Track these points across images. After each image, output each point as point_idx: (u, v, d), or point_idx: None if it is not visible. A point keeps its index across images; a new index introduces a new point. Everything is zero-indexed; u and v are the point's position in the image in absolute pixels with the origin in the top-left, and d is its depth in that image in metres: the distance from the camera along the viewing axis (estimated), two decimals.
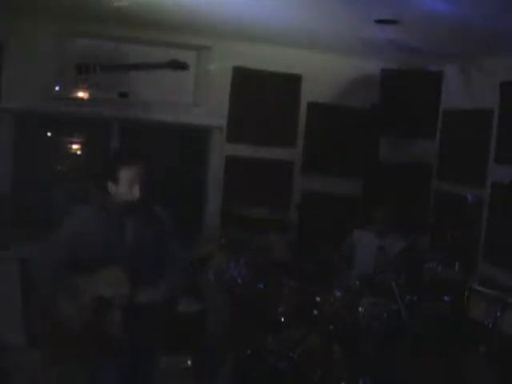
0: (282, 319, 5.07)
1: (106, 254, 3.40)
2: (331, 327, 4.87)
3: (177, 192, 6.44)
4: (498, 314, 4.78)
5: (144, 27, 5.82)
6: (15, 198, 5.90)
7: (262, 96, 6.52)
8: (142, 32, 5.92)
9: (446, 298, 5.18)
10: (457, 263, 5.26)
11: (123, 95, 6.12)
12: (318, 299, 5.12)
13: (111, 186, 3.44)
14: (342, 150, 6.77)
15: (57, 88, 5.96)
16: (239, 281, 5.15)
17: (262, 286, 5.28)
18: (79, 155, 6.32)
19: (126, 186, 3.41)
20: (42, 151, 6.11)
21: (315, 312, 5.06)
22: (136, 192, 3.41)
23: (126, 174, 3.41)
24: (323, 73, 6.56)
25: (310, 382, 4.68)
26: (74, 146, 6.29)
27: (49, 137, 6.19)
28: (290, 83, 6.62)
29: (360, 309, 4.96)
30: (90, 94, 6.04)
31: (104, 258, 3.37)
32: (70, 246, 3.43)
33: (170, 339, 4.70)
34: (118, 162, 3.47)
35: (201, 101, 6.40)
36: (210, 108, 6.39)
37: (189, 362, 5.21)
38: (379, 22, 4.78)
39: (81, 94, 6.03)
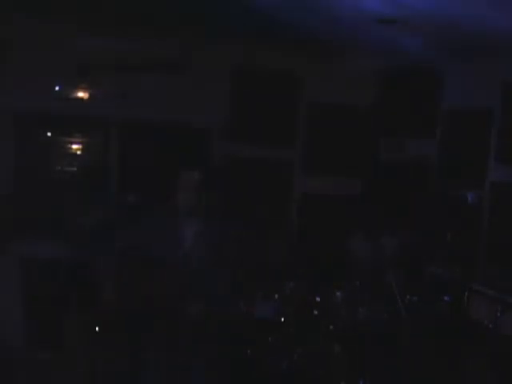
0: (282, 319, 5.07)
1: (164, 256, 3.46)
2: (331, 327, 4.87)
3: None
4: (499, 314, 4.78)
5: (144, 27, 5.81)
6: (16, 198, 5.90)
7: (262, 96, 6.52)
8: (142, 32, 5.92)
9: (445, 298, 5.18)
10: (457, 263, 5.26)
11: (123, 95, 6.12)
12: (317, 299, 5.12)
13: (172, 192, 3.53)
14: (342, 149, 6.76)
15: (57, 88, 5.96)
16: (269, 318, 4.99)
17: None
18: (79, 155, 6.32)
19: (184, 192, 3.49)
20: (42, 151, 6.11)
21: (315, 312, 5.06)
22: (193, 198, 3.49)
23: (185, 180, 3.51)
24: (323, 73, 6.56)
25: (310, 382, 4.68)
26: (74, 146, 6.30)
27: (49, 137, 6.19)
28: (291, 83, 6.62)
29: (360, 309, 4.97)
30: (90, 94, 6.04)
31: (161, 261, 3.44)
32: (131, 248, 3.57)
33: None
34: (178, 167, 3.59)
35: (201, 101, 6.39)
36: (210, 108, 6.38)
37: None
38: (379, 22, 4.78)
39: (81, 94, 6.04)
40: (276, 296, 5.01)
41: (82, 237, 5.91)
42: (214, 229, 3.59)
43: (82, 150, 6.30)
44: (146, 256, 3.51)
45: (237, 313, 3.40)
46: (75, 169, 6.29)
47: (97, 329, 5.21)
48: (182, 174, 3.56)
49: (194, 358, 3.72)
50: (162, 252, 3.50)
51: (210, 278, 3.51)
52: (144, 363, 3.75)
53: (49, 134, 6.19)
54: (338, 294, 5.11)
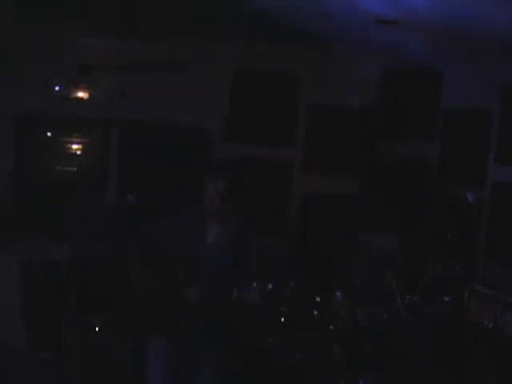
0: (282, 319, 5.07)
1: (188, 252, 3.74)
2: (331, 327, 4.87)
3: (177, 193, 6.44)
4: (499, 314, 4.78)
5: (144, 27, 5.82)
6: (15, 197, 5.90)
7: (262, 96, 6.52)
8: (142, 32, 5.92)
9: (446, 298, 5.18)
10: (457, 263, 5.26)
11: (123, 95, 6.13)
12: (317, 299, 5.12)
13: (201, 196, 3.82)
14: (341, 150, 6.76)
15: (57, 88, 5.96)
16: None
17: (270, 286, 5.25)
18: (79, 155, 6.32)
19: (209, 197, 3.78)
20: (42, 151, 6.11)
21: (315, 312, 5.06)
22: (217, 203, 3.77)
23: (210, 187, 3.78)
24: (323, 73, 6.56)
25: (310, 382, 4.68)
26: (74, 146, 6.30)
27: (49, 137, 6.19)
28: (290, 83, 6.62)
29: (360, 309, 4.96)
30: (90, 94, 6.05)
31: (185, 256, 3.72)
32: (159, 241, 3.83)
33: None
34: (206, 174, 3.84)
35: (200, 101, 6.40)
36: (210, 108, 6.39)
37: None
38: (379, 22, 4.78)
39: (81, 94, 6.04)
40: (270, 285, 5.03)
41: (82, 236, 5.91)
42: (234, 230, 3.86)
43: (82, 149, 6.30)
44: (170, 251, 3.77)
45: (228, 297, 3.58)
46: (75, 169, 6.29)
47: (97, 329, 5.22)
48: (208, 182, 3.81)
49: (196, 356, 3.76)
50: (186, 249, 3.76)
51: (216, 271, 3.74)
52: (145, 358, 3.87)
53: (49, 134, 6.18)
54: (338, 294, 5.10)
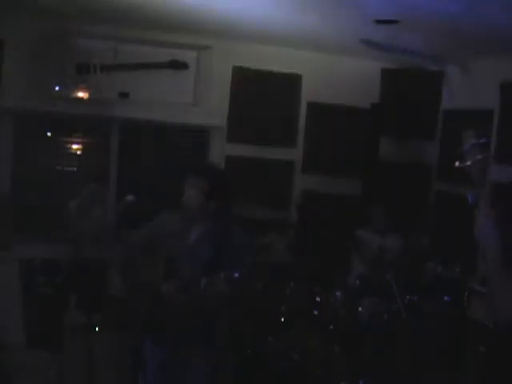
0: (282, 319, 5.07)
1: (171, 252, 3.72)
2: (331, 327, 4.88)
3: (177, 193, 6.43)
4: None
5: (144, 27, 5.82)
6: (15, 198, 5.89)
7: (262, 96, 6.52)
8: (142, 32, 5.92)
9: (445, 298, 5.18)
10: (457, 263, 5.26)
11: (123, 95, 6.12)
12: (317, 299, 5.12)
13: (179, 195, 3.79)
14: (342, 149, 6.76)
15: (57, 88, 5.96)
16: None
17: (260, 285, 5.26)
18: (79, 155, 6.31)
19: (188, 195, 3.75)
20: (42, 151, 6.11)
21: (315, 312, 5.06)
22: (195, 202, 3.73)
23: (189, 185, 3.74)
24: (323, 73, 6.56)
25: (310, 382, 4.68)
26: (74, 146, 6.29)
27: (49, 137, 6.19)
28: (290, 83, 6.62)
29: (360, 309, 4.97)
30: (90, 94, 6.04)
31: (169, 256, 3.72)
32: (144, 242, 3.86)
33: None
34: (186, 173, 3.80)
35: (201, 101, 6.40)
36: (209, 108, 6.39)
37: None
38: (379, 22, 4.78)
39: (81, 94, 6.03)
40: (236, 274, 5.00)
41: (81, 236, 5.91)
42: (217, 232, 3.76)
43: (82, 149, 6.30)
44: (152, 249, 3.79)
45: (196, 287, 3.57)
46: (75, 169, 6.29)
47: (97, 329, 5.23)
48: (188, 182, 3.76)
49: (190, 355, 3.75)
50: (169, 248, 3.74)
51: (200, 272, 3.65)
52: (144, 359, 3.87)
53: (49, 134, 6.18)
54: (338, 294, 5.11)
